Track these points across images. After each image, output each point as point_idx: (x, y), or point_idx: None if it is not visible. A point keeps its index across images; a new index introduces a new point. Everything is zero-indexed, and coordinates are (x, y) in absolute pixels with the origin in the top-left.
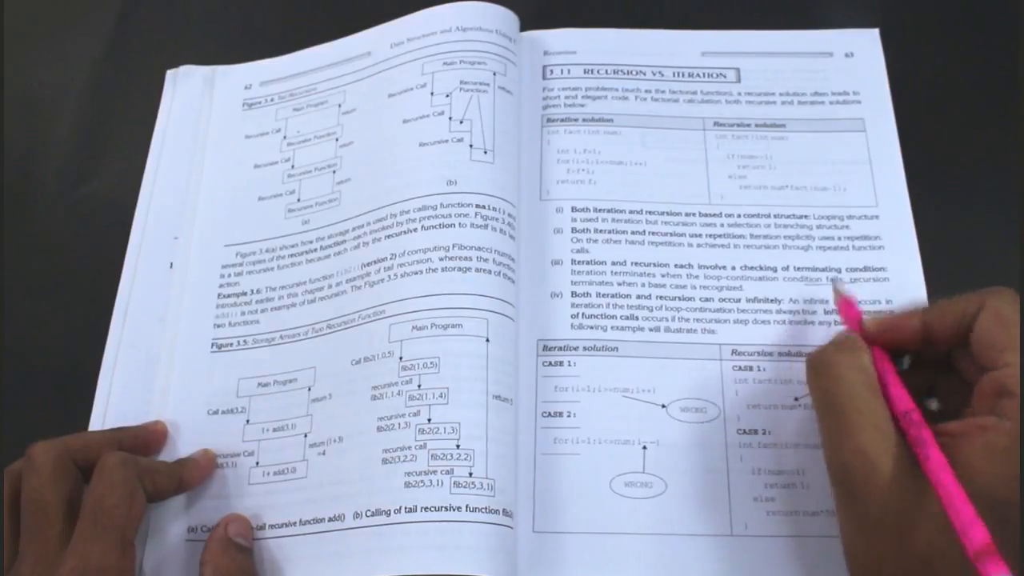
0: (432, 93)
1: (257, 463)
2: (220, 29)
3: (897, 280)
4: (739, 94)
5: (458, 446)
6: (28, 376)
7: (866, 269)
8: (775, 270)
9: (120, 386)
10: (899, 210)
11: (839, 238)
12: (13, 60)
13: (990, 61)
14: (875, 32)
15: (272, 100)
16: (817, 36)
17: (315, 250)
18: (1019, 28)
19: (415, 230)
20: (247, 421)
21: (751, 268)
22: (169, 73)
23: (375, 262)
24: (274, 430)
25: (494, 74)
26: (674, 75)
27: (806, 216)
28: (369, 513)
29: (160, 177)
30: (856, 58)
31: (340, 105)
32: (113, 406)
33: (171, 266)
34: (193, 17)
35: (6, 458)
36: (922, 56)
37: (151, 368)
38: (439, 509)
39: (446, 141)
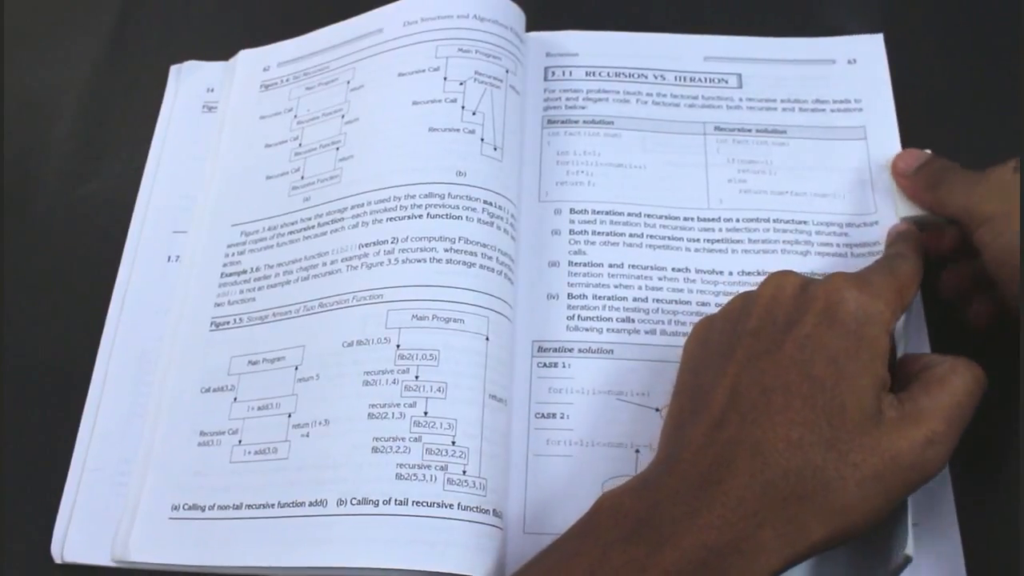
0: (445, 78)
1: (240, 441)
2: (221, 29)
3: None
4: (740, 100)
5: (453, 443)
6: (26, 373)
7: None
8: None
9: (114, 380)
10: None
11: (838, 244)
12: (13, 60)
13: (994, 67)
14: (879, 37)
15: (287, 80)
16: (820, 43)
17: (313, 227)
18: (1020, 34)
19: (420, 216)
20: (235, 399)
21: (748, 273)
22: (173, 68)
23: (374, 243)
24: (258, 409)
25: (507, 71)
26: (676, 79)
27: (805, 222)
28: (355, 501)
29: (162, 171)
30: (859, 64)
31: (349, 82)
32: (107, 399)
33: (169, 260)
34: (193, 17)
35: (4, 449)
36: (926, 62)
37: (146, 362)
38: (431, 504)
39: (457, 130)
